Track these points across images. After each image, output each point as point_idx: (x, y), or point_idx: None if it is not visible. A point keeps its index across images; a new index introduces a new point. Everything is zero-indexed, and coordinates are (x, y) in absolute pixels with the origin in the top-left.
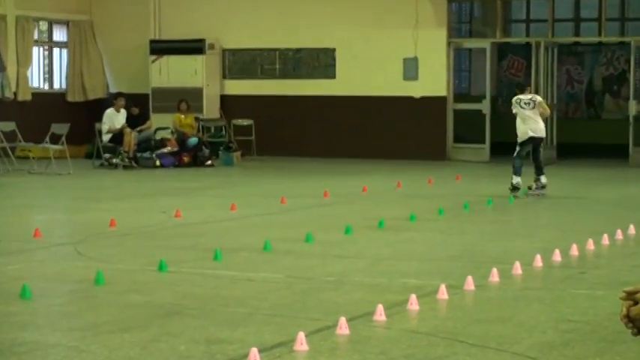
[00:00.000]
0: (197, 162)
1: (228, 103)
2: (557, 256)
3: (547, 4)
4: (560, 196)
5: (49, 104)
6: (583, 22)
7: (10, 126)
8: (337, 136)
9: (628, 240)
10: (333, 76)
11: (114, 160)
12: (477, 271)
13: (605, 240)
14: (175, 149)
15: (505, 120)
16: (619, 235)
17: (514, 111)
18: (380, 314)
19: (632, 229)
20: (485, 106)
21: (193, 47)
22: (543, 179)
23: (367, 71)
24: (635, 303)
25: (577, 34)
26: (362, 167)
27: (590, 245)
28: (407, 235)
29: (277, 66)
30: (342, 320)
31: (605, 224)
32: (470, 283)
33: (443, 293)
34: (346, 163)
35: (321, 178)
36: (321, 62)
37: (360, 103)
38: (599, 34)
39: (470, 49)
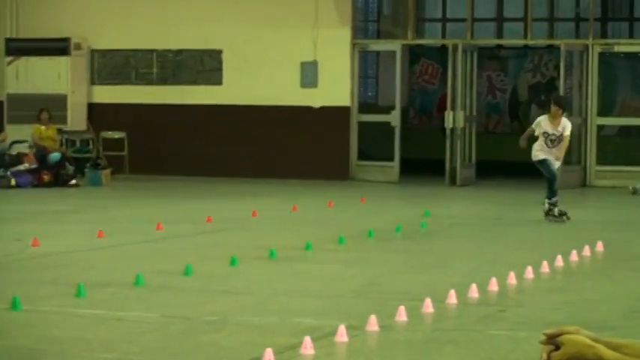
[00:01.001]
0: (59, 181)
1: (97, 113)
2: (473, 292)
3: (466, 1)
4: (479, 222)
5: None
6: (506, 23)
7: None
8: (223, 152)
9: (555, 273)
10: (220, 82)
11: None
12: (382, 309)
13: (529, 273)
14: (34, 166)
15: (417, 134)
16: (544, 267)
17: (536, 133)
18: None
19: (559, 261)
20: (394, 118)
21: (57, 47)
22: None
23: (259, 77)
24: (557, 348)
25: (500, 35)
26: (252, 188)
27: (512, 279)
28: (302, 268)
29: (155, 70)
30: None
31: (530, 255)
32: (373, 324)
33: (342, 335)
34: (234, 183)
35: (203, 200)
36: (205, 66)
37: (250, 114)
38: (525, 37)
39: (377, 52)
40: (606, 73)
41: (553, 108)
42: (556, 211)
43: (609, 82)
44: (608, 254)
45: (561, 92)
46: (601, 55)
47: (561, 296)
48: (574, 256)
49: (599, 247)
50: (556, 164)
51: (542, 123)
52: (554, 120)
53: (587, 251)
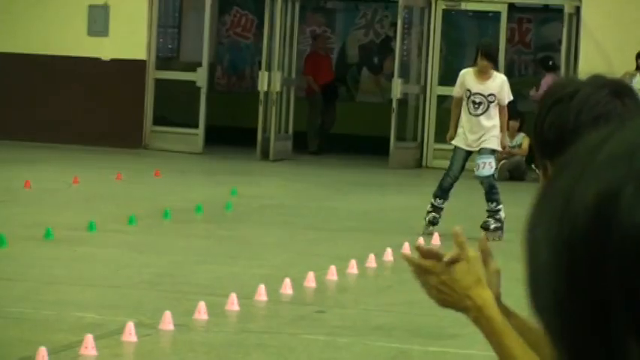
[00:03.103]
0: None
1: None
2: (287, 288)
3: None
4: (294, 204)
5: None
6: None
7: None
8: None
9: (383, 269)
10: None
11: None
12: (178, 304)
13: (353, 268)
14: None
15: (225, 97)
16: (371, 261)
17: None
18: None
19: (388, 254)
20: (200, 77)
21: None
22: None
23: (38, 20)
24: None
25: None
26: (24, 154)
27: (333, 274)
28: (84, 251)
29: None
30: None
31: (354, 247)
32: (167, 322)
33: (130, 334)
34: (2, 146)
35: None
36: None
37: (24, 65)
38: None
39: None
40: (451, 34)
41: (481, 61)
42: (429, 216)
43: (454, 45)
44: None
45: (397, 56)
46: (446, 12)
47: (390, 297)
48: (406, 250)
49: (436, 239)
50: (484, 157)
51: (465, 77)
52: (482, 76)
53: (421, 242)
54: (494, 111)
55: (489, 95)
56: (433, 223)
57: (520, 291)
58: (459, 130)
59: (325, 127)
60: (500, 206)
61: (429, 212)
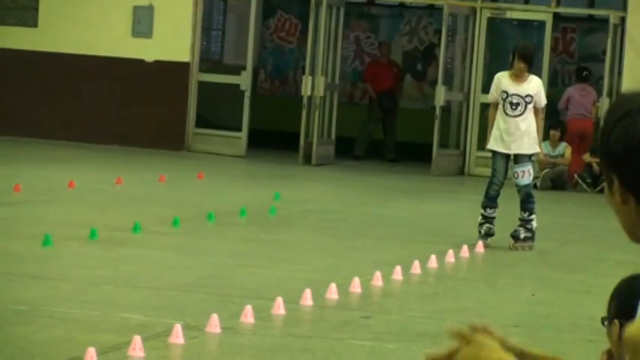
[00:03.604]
0: None
1: None
2: (332, 293)
3: None
4: (338, 209)
5: None
6: None
7: None
8: (34, 108)
9: (427, 275)
10: (35, 25)
11: None
12: (225, 307)
13: (398, 274)
14: None
15: (268, 101)
16: (416, 268)
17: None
18: None
19: (432, 261)
20: (244, 81)
21: None
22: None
23: (83, 21)
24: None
25: None
26: (69, 153)
27: (378, 280)
28: (129, 253)
29: None
30: None
31: (398, 252)
32: (214, 324)
33: (177, 336)
34: (47, 146)
35: (9, 165)
36: (18, 3)
37: (70, 65)
38: None
39: (226, 1)
40: (495, 42)
41: (517, 63)
42: (484, 228)
43: (498, 53)
44: (488, 256)
45: (441, 63)
46: (490, 20)
47: (435, 304)
48: (450, 257)
49: (479, 247)
50: (522, 165)
51: (501, 80)
52: (518, 79)
53: (465, 252)
54: (530, 114)
55: (527, 96)
56: (489, 234)
57: (565, 300)
58: (495, 134)
59: (386, 136)
60: (534, 216)
61: (481, 224)
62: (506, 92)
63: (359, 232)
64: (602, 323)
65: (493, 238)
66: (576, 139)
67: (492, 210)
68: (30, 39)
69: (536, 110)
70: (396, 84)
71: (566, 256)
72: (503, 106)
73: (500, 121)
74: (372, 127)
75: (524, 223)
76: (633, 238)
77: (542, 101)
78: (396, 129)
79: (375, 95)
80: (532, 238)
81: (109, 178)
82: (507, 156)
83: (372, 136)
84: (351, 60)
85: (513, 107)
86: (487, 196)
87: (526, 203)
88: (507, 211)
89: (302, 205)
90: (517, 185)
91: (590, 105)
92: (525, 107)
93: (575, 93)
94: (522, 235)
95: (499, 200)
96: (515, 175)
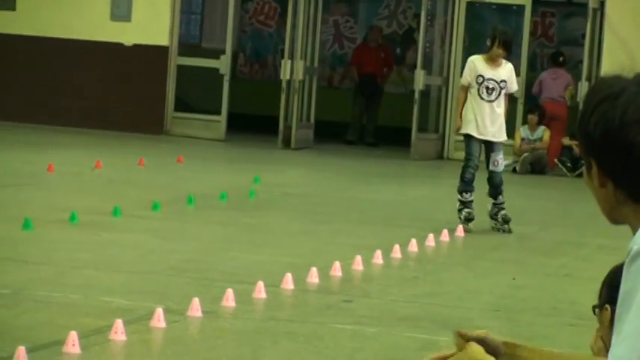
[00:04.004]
0: None
1: None
2: (313, 277)
3: None
4: (317, 193)
5: None
6: None
7: None
8: (14, 92)
9: (407, 259)
10: (13, 7)
11: None
12: (206, 291)
13: (378, 258)
14: None
15: (247, 84)
16: (396, 251)
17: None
18: (72, 344)
19: (413, 245)
20: (223, 64)
21: None
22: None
23: (62, 4)
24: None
25: None
26: (47, 137)
27: (358, 264)
28: (110, 236)
29: None
30: (21, 351)
31: (378, 237)
32: (195, 308)
33: (159, 320)
34: (25, 130)
35: None
36: None
37: (47, 48)
38: None
39: None
40: (474, 26)
41: (496, 49)
42: (463, 213)
43: (477, 37)
44: (469, 241)
45: (420, 47)
46: (469, 4)
47: (415, 288)
48: (430, 241)
49: (460, 231)
50: (499, 152)
51: (476, 64)
52: (493, 63)
53: (445, 236)
54: (503, 99)
55: (501, 81)
56: (469, 219)
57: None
58: (469, 117)
59: (367, 120)
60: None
61: (460, 210)
62: (482, 76)
63: (339, 216)
64: (594, 312)
65: (473, 222)
66: (549, 123)
67: (469, 194)
68: (8, 22)
69: (506, 96)
70: (383, 69)
71: (546, 241)
72: (478, 90)
73: (474, 106)
74: (357, 111)
75: (501, 205)
76: (611, 221)
77: (514, 87)
78: (377, 114)
79: (356, 79)
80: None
81: (89, 162)
82: (481, 140)
83: (362, 120)
84: (330, 44)
85: (489, 92)
86: (463, 180)
87: (500, 188)
88: (484, 195)
89: (282, 189)
90: (494, 172)
91: (562, 89)
92: (500, 92)
93: (547, 77)
94: (509, 217)
95: (474, 184)
96: (495, 163)
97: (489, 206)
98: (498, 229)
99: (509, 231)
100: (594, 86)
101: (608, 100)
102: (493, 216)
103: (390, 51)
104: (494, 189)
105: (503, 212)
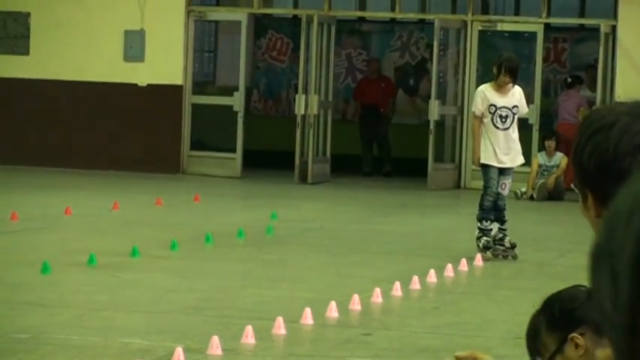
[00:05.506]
0: None
1: None
2: (332, 311)
3: None
4: (336, 227)
5: None
6: None
7: None
8: (28, 135)
9: (427, 290)
10: (26, 52)
11: None
12: (225, 329)
13: (397, 290)
14: None
15: (261, 121)
16: (415, 283)
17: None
18: None
19: (432, 275)
20: (237, 101)
21: None
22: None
23: (74, 47)
24: None
25: (362, 7)
26: (64, 180)
27: (377, 297)
28: (128, 277)
29: None
30: None
31: (397, 269)
32: (215, 346)
33: (179, 359)
34: (42, 173)
35: (5, 193)
36: (9, 32)
37: (62, 91)
38: (393, 9)
39: (217, 22)
40: (487, 54)
41: (503, 77)
42: (482, 242)
43: (490, 65)
44: (487, 269)
45: (433, 77)
46: (482, 33)
47: (435, 318)
48: (449, 271)
49: (478, 260)
50: (508, 176)
51: (485, 93)
52: (502, 90)
53: (463, 265)
54: (516, 123)
55: (514, 107)
56: (487, 247)
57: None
58: (487, 147)
59: (379, 150)
60: None
61: (479, 237)
62: (494, 106)
63: (357, 249)
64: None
65: (491, 250)
66: (563, 145)
67: (488, 222)
68: (21, 67)
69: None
70: (385, 99)
71: (565, 267)
72: (492, 119)
73: (490, 136)
74: (365, 143)
75: (505, 231)
76: None
77: (525, 109)
78: (388, 142)
79: (359, 111)
80: None
81: (106, 204)
82: (500, 169)
83: (372, 151)
84: (344, 77)
85: (503, 120)
86: (482, 208)
87: (504, 213)
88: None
89: (299, 224)
90: (499, 195)
91: (573, 109)
92: (513, 118)
93: (560, 100)
94: (514, 242)
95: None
96: (503, 186)
97: (494, 231)
98: (504, 256)
99: (515, 257)
100: (587, 117)
101: (601, 131)
102: (499, 242)
103: (390, 81)
104: (499, 212)
105: (507, 237)
